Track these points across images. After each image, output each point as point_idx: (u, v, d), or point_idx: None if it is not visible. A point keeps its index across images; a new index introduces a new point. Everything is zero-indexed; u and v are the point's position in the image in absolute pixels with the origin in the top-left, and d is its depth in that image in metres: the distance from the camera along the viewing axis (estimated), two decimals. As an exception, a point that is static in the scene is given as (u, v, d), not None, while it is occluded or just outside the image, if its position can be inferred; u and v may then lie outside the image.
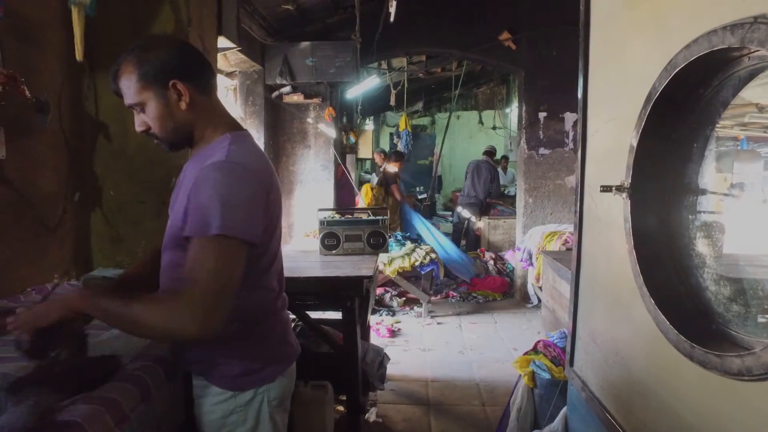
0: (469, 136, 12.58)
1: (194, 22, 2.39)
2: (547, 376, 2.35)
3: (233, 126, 1.28)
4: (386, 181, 6.13)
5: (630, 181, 1.31)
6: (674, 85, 1.14)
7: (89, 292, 1.17)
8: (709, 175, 1.24)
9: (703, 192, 1.25)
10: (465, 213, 7.23)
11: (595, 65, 1.69)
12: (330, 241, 3.00)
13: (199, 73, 1.22)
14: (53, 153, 2.14)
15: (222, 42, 2.95)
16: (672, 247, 1.27)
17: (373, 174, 8.03)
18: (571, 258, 1.90)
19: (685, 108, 1.21)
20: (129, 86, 1.17)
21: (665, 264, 1.27)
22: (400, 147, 9.04)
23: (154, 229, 2.39)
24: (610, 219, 1.48)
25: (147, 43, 1.20)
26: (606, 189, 1.38)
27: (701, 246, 1.23)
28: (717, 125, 1.19)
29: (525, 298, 5.44)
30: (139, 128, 1.23)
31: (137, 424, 1.16)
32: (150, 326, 1.07)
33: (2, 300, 1.80)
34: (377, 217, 3.09)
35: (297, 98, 5.20)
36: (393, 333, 4.50)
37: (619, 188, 1.34)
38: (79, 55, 1.98)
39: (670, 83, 1.14)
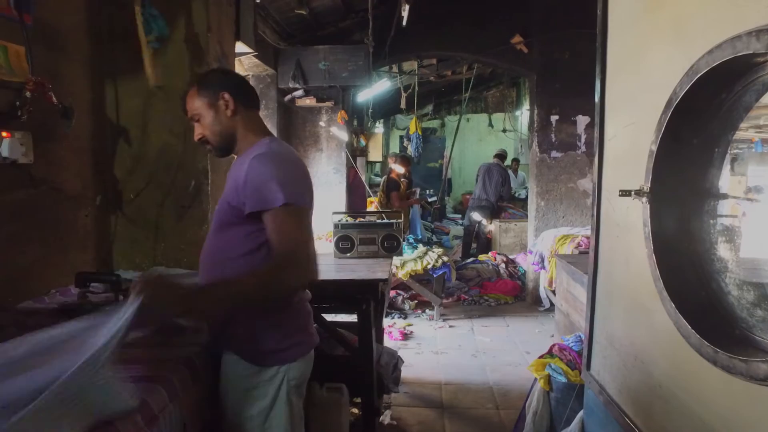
0: (479, 139, 12.55)
1: (213, 28, 2.43)
2: (563, 379, 2.34)
3: (270, 134, 1.55)
4: (388, 187, 6.13)
5: (649, 185, 1.31)
6: (696, 90, 1.14)
7: (201, 288, 1.40)
8: (724, 178, 1.24)
9: (724, 196, 1.25)
10: (476, 216, 7.21)
11: (612, 69, 1.69)
12: (344, 244, 3.02)
13: (244, 91, 1.52)
14: (76, 157, 2.19)
15: (239, 47, 3.00)
16: (692, 252, 1.27)
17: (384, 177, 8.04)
18: (586, 261, 1.90)
19: (706, 113, 1.21)
20: (190, 101, 1.48)
21: (685, 268, 1.27)
22: (410, 150, 9.05)
23: (173, 232, 2.42)
24: (629, 223, 1.48)
25: (207, 71, 1.61)
26: (625, 193, 1.38)
27: (722, 250, 1.23)
28: (739, 130, 1.19)
29: (537, 302, 5.42)
30: (196, 137, 1.50)
31: (165, 424, 1.19)
32: (271, 291, 1.31)
33: (28, 301, 1.84)
34: (391, 221, 3.10)
35: (309, 102, 5.24)
36: (405, 336, 4.50)
37: (639, 192, 1.34)
38: (151, 81, 2.27)
39: (691, 88, 1.14)
